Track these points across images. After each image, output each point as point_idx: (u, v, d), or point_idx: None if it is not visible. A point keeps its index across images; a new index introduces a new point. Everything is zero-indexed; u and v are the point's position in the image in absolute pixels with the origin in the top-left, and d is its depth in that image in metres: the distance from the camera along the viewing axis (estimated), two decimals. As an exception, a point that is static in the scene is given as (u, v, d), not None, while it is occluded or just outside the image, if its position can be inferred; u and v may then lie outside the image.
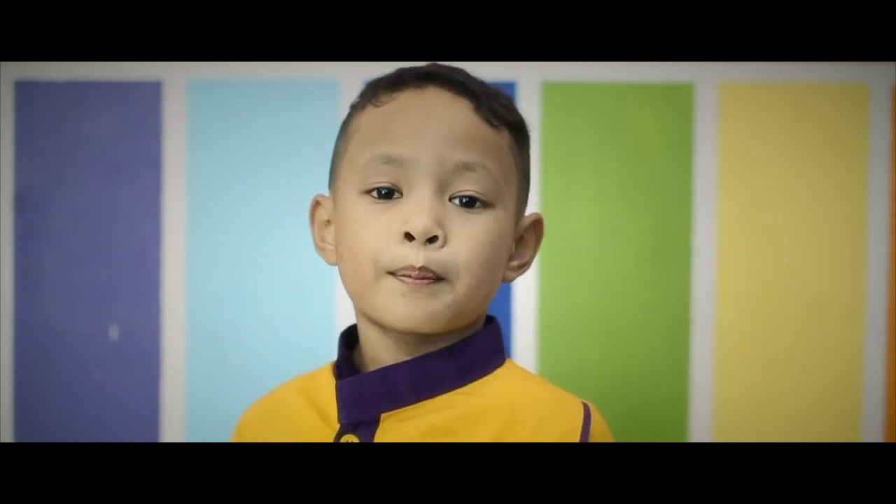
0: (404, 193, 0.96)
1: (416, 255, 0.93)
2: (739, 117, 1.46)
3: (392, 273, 0.94)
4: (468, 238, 0.95)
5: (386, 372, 0.97)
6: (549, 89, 1.47)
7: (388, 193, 0.96)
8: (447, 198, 0.96)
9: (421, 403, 0.96)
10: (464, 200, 0.96)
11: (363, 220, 0.96)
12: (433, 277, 0.94)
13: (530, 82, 1.46)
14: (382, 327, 0.98)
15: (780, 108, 1.46)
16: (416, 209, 0.94)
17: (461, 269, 0.94)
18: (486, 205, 0.96)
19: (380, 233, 0.95)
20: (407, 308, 0.94)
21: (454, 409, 0.96)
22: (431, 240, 0.94)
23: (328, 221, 1.03)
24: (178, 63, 1.47)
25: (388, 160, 0.96)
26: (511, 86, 1.46)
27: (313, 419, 0.99)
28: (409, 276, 0.94)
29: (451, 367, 0.97)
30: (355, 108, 1.02)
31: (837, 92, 1.45)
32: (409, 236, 0.94)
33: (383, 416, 0.96)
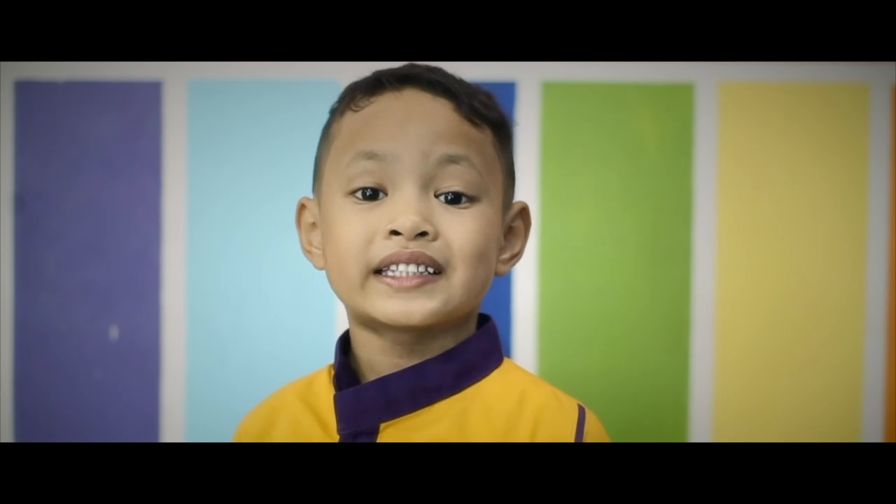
0: (389, 193, 0.95)
1: (404, 244, 0.93)
2: (739, 117, 1.46)
3: (378, 272, 0.94)
4: (459, 230, 0.94)
5: (384, 382, 0.96)
6: (549, 89, 1.47)
7: (372, 195, 0.95)
8: (432, 194, 0.95)
9: (419, 412, 0.95)
10: (449, 197, 0.95)
11: (348, 220, 0.95)
12: (426, 269, 0.93)
13: (530, 82, 1.46)
14: (376, 329, 0.97)
15: (780, 108, 1.46)
16: (403, 208, 0.94)
17: (457, 260, 0.94)
18: (472, 199, 0.96)
19: (365, 231, 0.94)
20: (400, 308, 0.93)
21: (452, 418, 0.95)
22: (423, 234, 0.93)
23: (314, 224, 1.02)
24: (178, 63, 1.47)
25: (371, 156, 0.95)
26: (511, 86, 1.46)
27: (314, 429, 0.98)
28: (395, 276, 0.93)
29: (449, 373, 0.96)
30: (335, 113, 1.02)
31: (837, 92, 1.45)
32: (395, 233, 0.93)
33: (383, 425, 0.96)
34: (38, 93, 1.51)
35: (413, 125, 0.96)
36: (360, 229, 0.95)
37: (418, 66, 1.01)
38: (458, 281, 0.94)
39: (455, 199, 0.95)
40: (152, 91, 1.50)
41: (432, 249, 0.94)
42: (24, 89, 1.51)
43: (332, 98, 1.03)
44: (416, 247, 0.93)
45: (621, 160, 1.46)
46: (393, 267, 0.94)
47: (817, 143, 1.46)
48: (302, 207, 1.04)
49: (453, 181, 0.95)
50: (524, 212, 1.04)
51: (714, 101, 1.46)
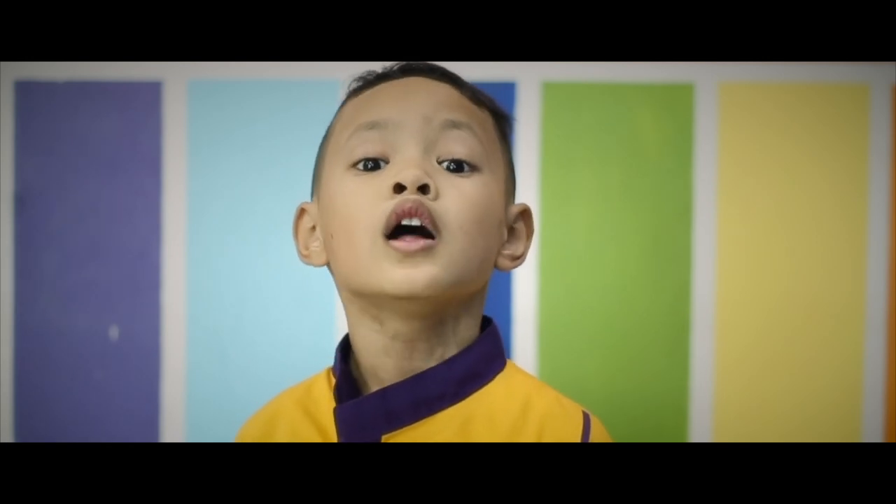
0: (391, 159, 0.94)
1: (409, 197, 0.91)
2: (739, 117, 1.46)
3: (387, 237, 0.92)
4: (458, 195, 0.93)
5: (384, 393, 0.95)
6: (549, 89, 1.47)
7: (374, 166, 0.95)
8: (434, 159, 0.94)
9: (421, 422, 0.94)
10: (452, 166, 0.94)
11: (352, 189, 0.94)
12: (428, 231, 0.91)
13: (530, 82, 1.46)
14: (378, 319, 0.96)
15: (780, 108, 1.46)
16: (405, 164, 0.93)
17: (454, 225, 0.92)
18: (474, 168, 0.95)
19: (370, 196, 0.93)
20: (405, 275, 0.91)
21: (455, 428, 0.94)
22: (423, 189, 0.92)
23: (313, 228, 1.01)
24: (178, 63, 1.48)
25: (373, 126, 0.95)
26: (511, 86, 1.46)
27: (314, 440, 0.97)
28: (401, 240, 0.91)
29: (451, 380, 0.95)
30: (336, 113, 1.02)
31: (837, 92, 1.45)
32: (399, 188, 0.92)
33: (384, 437, 0.94)
34: (38, 93, 1.51)
35: (414, 96, 0.96)
36: (364, 195, 0.93)
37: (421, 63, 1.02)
38: (457, 246, 0.93)
39: (457, 167, 0.95)
40: (152, 91, 1.50)
41: (433, 207, 0.92)
42: (24, 89, 1.51)
43: (332, 98, 1.04)
44: (419, 199, 0.91)
45: (622, 160, 1.46)
46: (399, 238, 0.92)
47: (817, 143, 1.46)
48: (301, 212, 1.03)
49: (455, 146, 0.95)
50: (526, 214, 1.03)
51: (714, 101, 1.46)
